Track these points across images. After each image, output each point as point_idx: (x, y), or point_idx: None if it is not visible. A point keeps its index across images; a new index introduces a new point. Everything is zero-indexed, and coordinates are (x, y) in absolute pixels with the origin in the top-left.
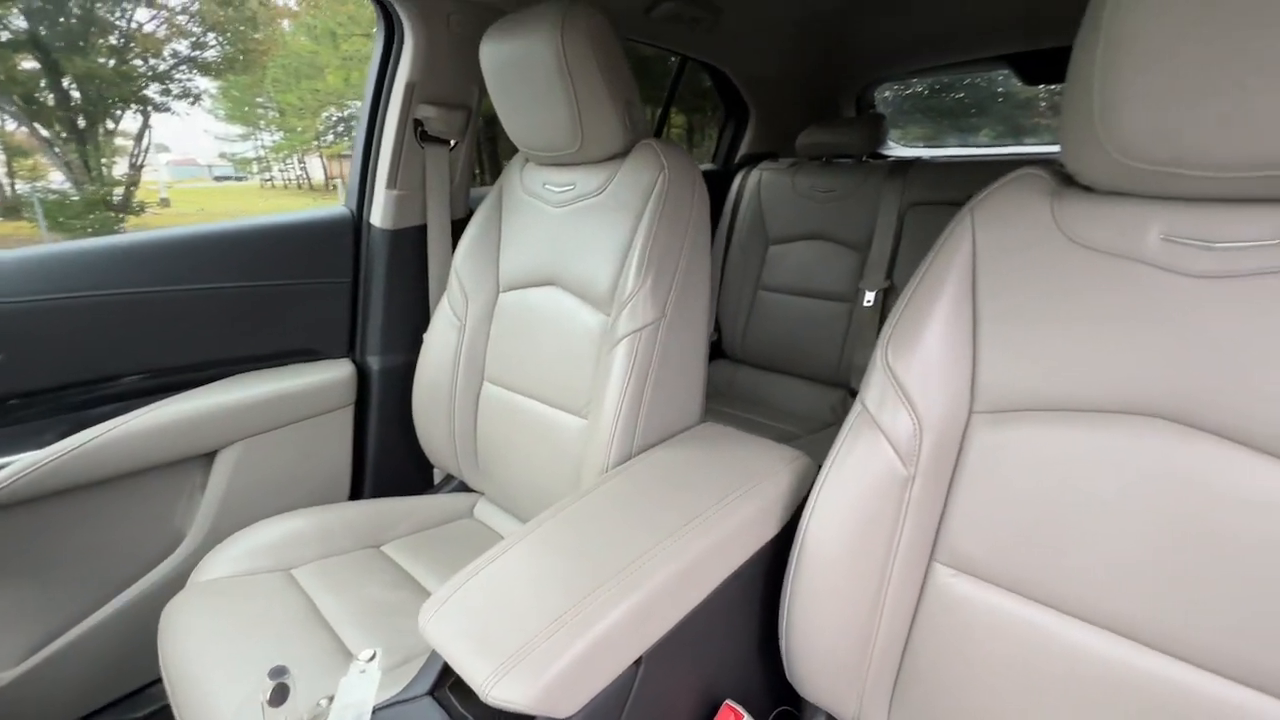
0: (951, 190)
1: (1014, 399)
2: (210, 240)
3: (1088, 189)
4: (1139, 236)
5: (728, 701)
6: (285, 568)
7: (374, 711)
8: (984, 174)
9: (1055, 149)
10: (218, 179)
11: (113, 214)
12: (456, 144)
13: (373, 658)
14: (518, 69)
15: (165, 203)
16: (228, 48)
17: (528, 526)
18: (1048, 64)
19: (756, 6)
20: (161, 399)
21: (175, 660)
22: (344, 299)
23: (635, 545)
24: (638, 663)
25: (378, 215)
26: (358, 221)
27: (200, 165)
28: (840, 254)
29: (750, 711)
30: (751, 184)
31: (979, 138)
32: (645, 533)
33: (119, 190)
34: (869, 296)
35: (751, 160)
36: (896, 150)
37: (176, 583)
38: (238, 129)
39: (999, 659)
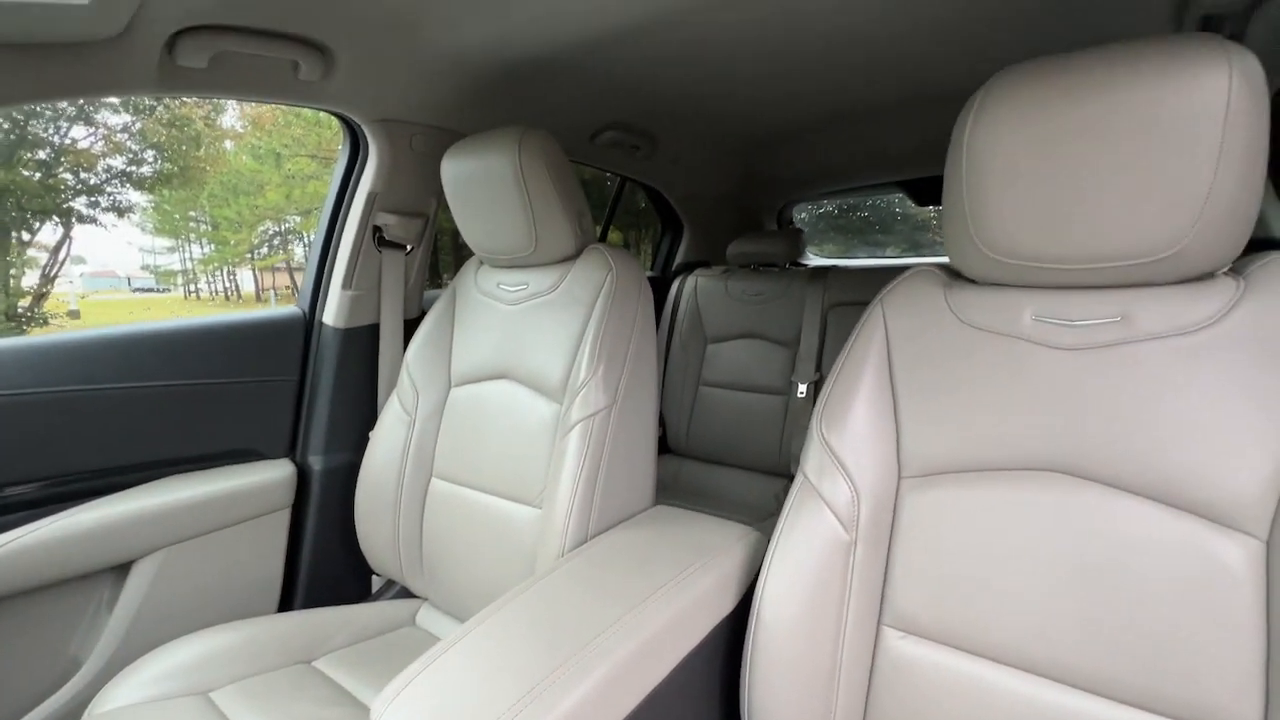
0: (867, 292)
1: (934, 463)
2: (148, 338)
3: (973, 281)
4: (1015, 317)
5: None
6: (202, 690)
7: None
8: (892, 278)
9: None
10: (136, 290)
11: (13, 324)
12: (413, 249)
13: None
14: (478, 182)
15: (74, 314)
16: (166, 164)
17: (478, 616)
18: (934, 189)
19: (688, 137)
20: (76, 505)
21: None
22: (289, 397)
23: (594, 622)
24: None
25: (331, 315)
26: (309, 321)
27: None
28: (773, 350)
29: None
30: (689, 288)
31: (884, 252)
32: (604, 608)
33: (24, 301)
34: (801, 388)
35: (688, 267)
36: (814, 260)
37: (65, 713)
38: (165, 241)
39: (948, 715)
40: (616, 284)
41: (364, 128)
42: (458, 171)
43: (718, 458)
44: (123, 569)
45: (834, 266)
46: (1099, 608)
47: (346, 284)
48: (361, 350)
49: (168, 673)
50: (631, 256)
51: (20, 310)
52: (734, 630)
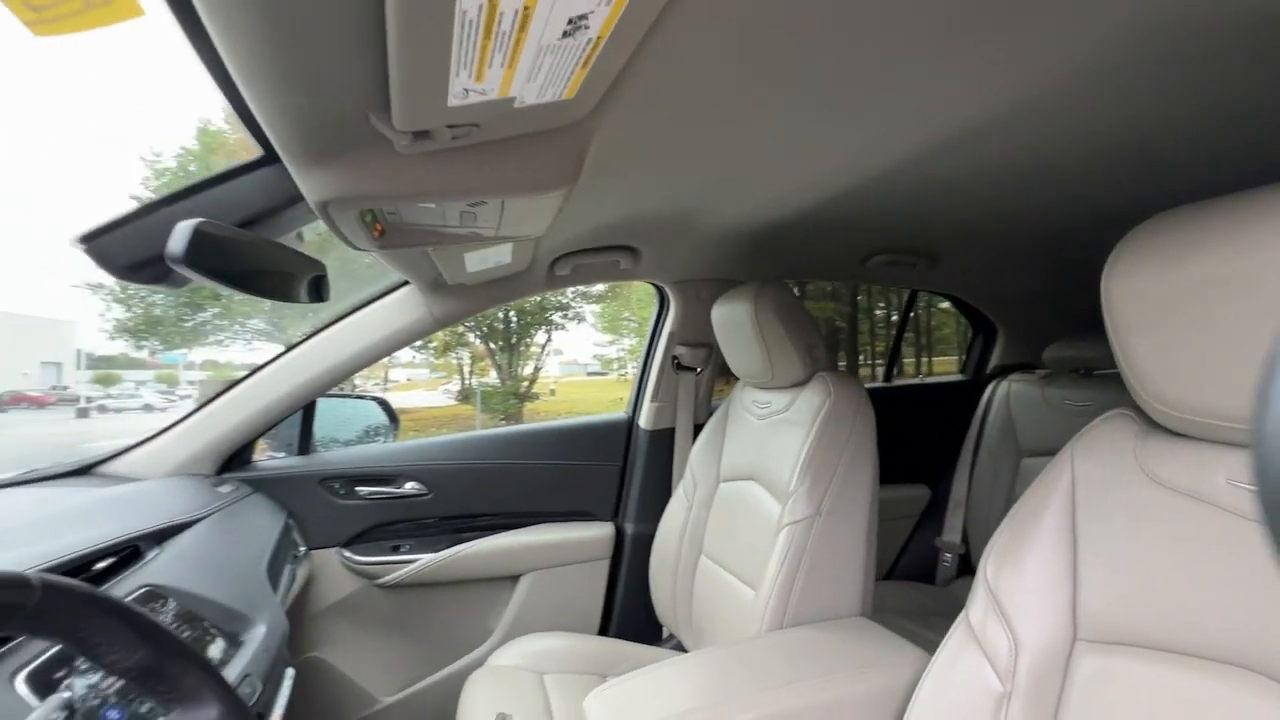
0: None
1: (1117, 630)
2: (534, 434)
3: (1169, 430)
4: (1208, 478)
5: None
6: (539, 671)
7: None
8: None
9: None
10: (590, 374)
11: (516, 400)
12: (701, 370)
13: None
14: (731, 324)
15: (553, 392)
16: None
17: (689, 655)
18: None
19: (974, 248)
20: (494, 535)
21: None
22: (614, 477)
23: (750, 684)
24: None
25: (643, 419)
26: (630, 424)
27: (579, 364)
28: None
29: None
30: (1000, 394)
31: None
32: (754, 678)
33: (525, 384)
34: None
35: (1004, 371)
36: None
37: (478, 661)
38: (608, 337)
39: None
40: (833, 408)
41: (666, 288)
42: (718, 317)
43: None
44: (514, 578)
45: None
46: None
47: (654, 397)
48: (662, 446)
49: (526, 653)
50: (855, 382)
51: (521, 390)
52: None
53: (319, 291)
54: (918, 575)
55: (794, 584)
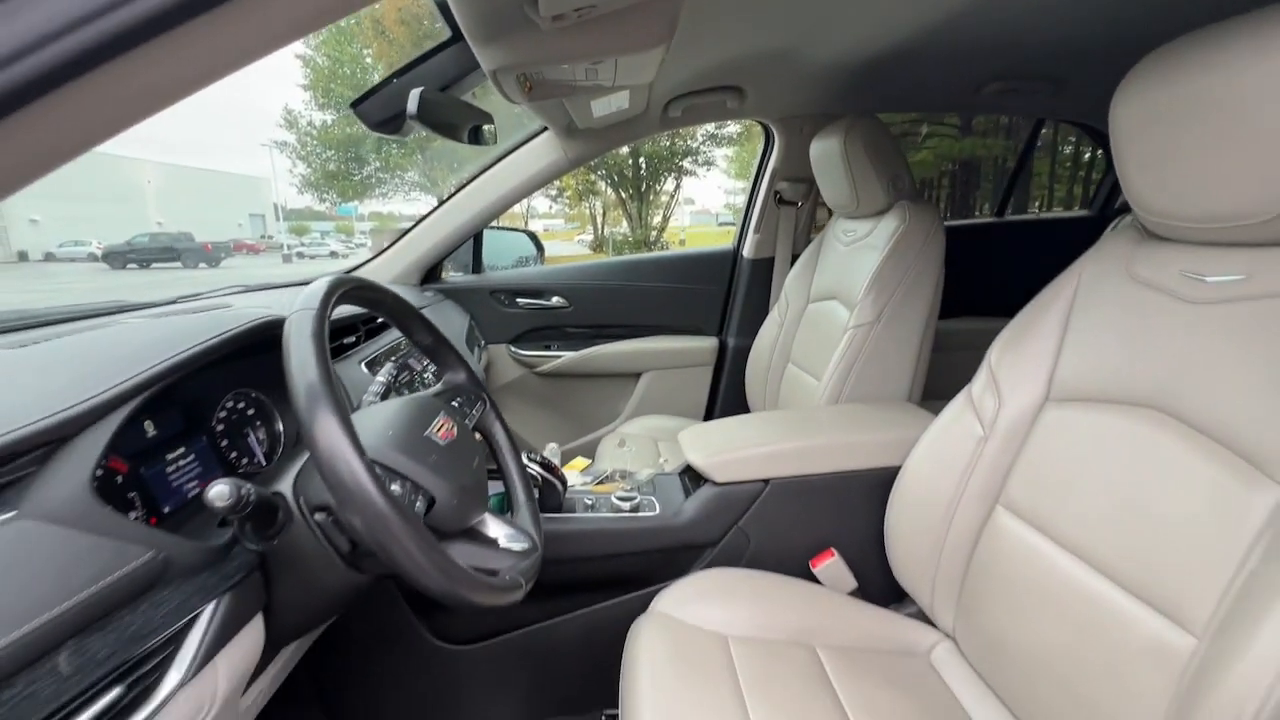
0: None
1: (1077, 391)
2: (655, 260)
3: (1154, 236)
4: (1167, 271)
5: (831, 548)
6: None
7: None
8: None
9: None
10: (721, 224)
11: (646, 248)
12: (801, 204)
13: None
14: (825, 156)
15: (682, 243)
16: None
17: (757, 413)
18: None
19: (1105, 68)
20: (617, 340)
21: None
22: (720, 300)
23: (796, 428)
24: (766, 482)
25: (747, 249)
26: (735, 253)
27: (710, 214)
28: None
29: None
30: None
31: None
32: (804, 427)
33: (654, 234)
34: None
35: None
36: None
37: (609, 432)
38: (740, 184)
39: (1022, 579)
40: (906, 232)
41: (771, 125)
42: (815, 150)
43: None
44: (636, 376)
45: None
46: (1146, 522)
47: (757, 229)
48: (762, 273)
49: (645, 427)
50: (931, 210)
51: (650, 240)
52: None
53: (488, 137)
54: None
55: (850, 374)
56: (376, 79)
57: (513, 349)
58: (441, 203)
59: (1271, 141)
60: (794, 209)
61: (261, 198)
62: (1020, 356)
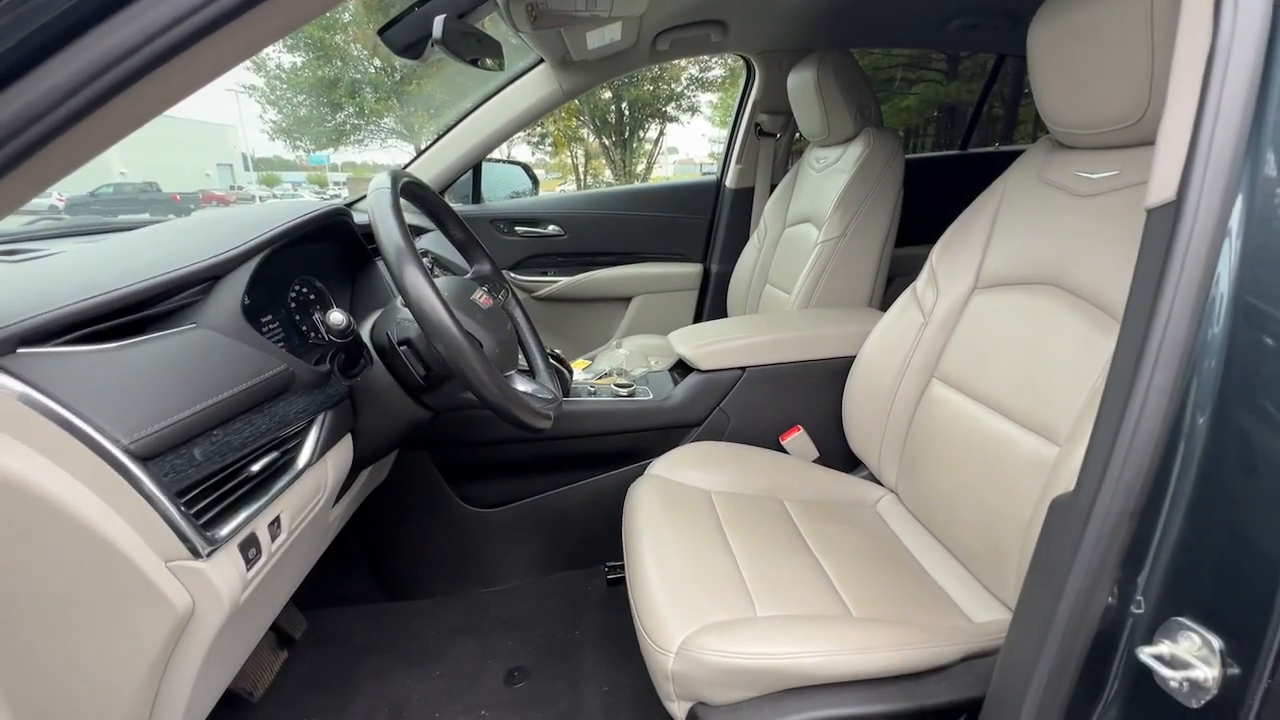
0: None
1: (997, 278)
2: (644, 191)
3: (1061, 146)
4: (1065, 172)
5: (798, 425)
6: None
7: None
8: None
9: None
10: (705, 174)
11: None
12: (780, 136)
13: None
14: (800, 87)
15: None
16: (722, 70)
17: (736, 317)
18: None
19: None
20: (609, 267)
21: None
22: (703, 228)
23: (767, 326)
24: (743, 369)
25: (730, 179)
26: (719, 184)
27: (695, 164)
28: None
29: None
30: None
31: None
32: (773, 324)
33: (637, 183)
34: None
35: None
36: None
37: (603, 351)
38: (725, 131)
39: (949, 434)
40: (869, 156)
41: (752, 59)
42: (792, 82)
43: None
44: (627, 300)
45: None
46: (1038, 370)
47: (738, 160)
48: (743, 202)
49: (636, 345)
50: (893, 136)
51: None
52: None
53: (495, 66)
54: None
55: (818, 285)
56: (348, 18)
57: (511, 274)
58: (440, 136)
59: (1135, 61)
60: (773, 141)
61: (229, 146)
62: (956, 254)
